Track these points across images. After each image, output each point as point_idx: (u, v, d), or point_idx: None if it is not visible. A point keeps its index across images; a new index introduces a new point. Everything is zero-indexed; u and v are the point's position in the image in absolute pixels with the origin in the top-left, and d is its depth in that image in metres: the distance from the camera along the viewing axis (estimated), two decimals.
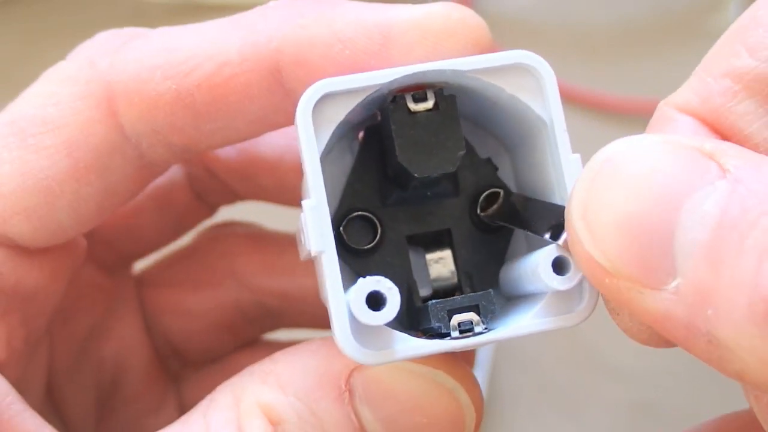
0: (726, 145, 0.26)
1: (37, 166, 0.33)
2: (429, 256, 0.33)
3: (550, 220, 0.29)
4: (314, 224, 0.29)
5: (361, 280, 0.28)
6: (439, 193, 0.32)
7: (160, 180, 0.40)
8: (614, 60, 0.60)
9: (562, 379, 0.56)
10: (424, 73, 0.30)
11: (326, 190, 0.30)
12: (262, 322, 0.44)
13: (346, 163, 0.33)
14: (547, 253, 0.29)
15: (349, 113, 0.30)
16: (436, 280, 0.33)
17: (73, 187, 0.33)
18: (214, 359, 0.45)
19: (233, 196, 0.43)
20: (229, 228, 0.45)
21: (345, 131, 0.32)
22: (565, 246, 0.28)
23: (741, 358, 0.24)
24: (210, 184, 0.42)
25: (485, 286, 0.32)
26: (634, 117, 0.58)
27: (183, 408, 0.43)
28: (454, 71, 0.30)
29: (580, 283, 0.29)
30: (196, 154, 0.36)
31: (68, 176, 0.33)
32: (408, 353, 0.29)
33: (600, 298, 0.30)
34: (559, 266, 0.29)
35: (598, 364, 0.55)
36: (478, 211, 0.33)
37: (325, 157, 0.31)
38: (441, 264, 0.33)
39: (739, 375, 0.25)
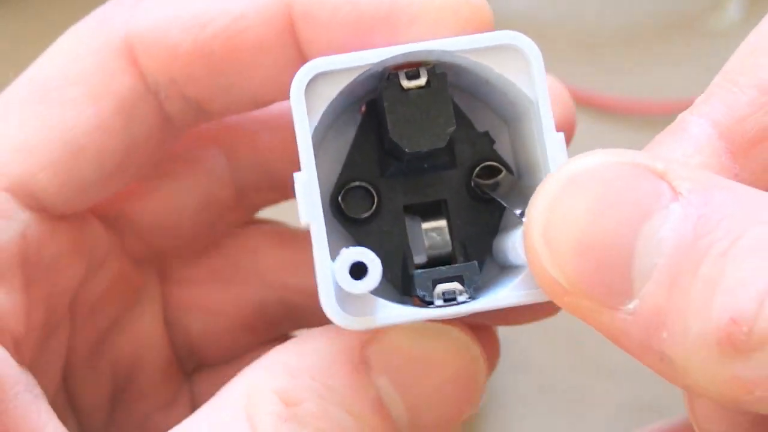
0: (676, 164, 0.27)
1: (62, 119, 0.33)
2: (425, 225, 0.34)
3: (523, 203, 0.30)
4: (304, 197, 0.30)
5: (344, 250, 0.30)
6: (437, 165, 0.33)
7: (203, 174, 0.40)
8: (614, 60, 0.60)
9: (562, 380, 0.56)
10: (414, 53, 0.31)
11: (331, 160, 0.33)
12: (283, 322, 0.44)
13: (350, 134, 0.34)
14: None
15: (354, 86, 0.32)
16: (431, 248, 0.34)
17: (98, 138, 0.33)
18: (228, 360, 0.44)
19: (278, 195, 0.43)
20: (254, 225, 0.45)
21: (350, 103, 0.33)
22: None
23: (693, 376, 0.26)
24: (256, 180, 0.42)
25: (479, 255, 0.33)
26: (634, 117, 0.58)
27: (195, 406, 0.43)
28: (443, 51, 0.31)
29: None
30: (211, 115, 0.36)
31: (93, 127, 0.33)
32: (389, 320, 0.30)
33: None
34: None
35: (598, 364, 0.55)
36: (472, 182, 0.34)
37: (330, 129, 0.33)
38: (436, 233, 0.34)
39: (689, 388, 0.27)
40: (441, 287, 0.31)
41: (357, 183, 0.34)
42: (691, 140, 0.30)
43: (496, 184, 0.33)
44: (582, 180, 0.27)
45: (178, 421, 0.41)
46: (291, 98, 0.31)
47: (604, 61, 0.60)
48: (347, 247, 0.30)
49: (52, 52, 0.34)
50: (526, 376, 0.56)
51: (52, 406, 0.33)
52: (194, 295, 0.43)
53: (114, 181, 0.35)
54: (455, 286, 0.31)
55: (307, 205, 0.30)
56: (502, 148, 0.34)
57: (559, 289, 0.27)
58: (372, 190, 0.34)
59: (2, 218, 0.33)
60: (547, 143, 0.31)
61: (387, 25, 0.32)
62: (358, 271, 0.30)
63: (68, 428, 0.33)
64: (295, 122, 0.31)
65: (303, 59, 0.33)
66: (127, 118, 0.34)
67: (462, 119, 0.34)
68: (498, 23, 0.34)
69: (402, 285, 0.33)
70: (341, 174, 0.34)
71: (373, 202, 0.34)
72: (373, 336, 0.31)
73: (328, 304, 0.30)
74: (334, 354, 0.30)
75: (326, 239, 0.30)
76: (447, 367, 0.30)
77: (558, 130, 0.32)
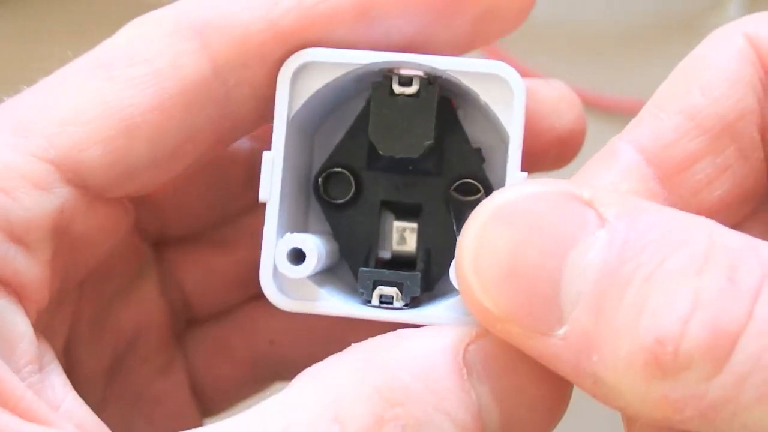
0: (604, 192, 0.28)
1: (121, 95, 0.32)
2: (397, 224, 0.35)
3: None
4: (267, 175, 0.32)
5: (288, 235, 0.31)
6: (422, 169, 0.34)
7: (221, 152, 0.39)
8: (614, 60, 0.60)
9: None
10: (405, 62, 0.32)
11: (329, 141, 0.34)
12: None
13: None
14: None
15: (366, 75, 0.33)
16: (397, 247, 0.35)
17: (156, 119, 0.32)
18: (219, 315, 0.44)
19: None
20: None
21: (362, 90, 0.34)
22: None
23: (624, 397, 0.26)
24: None
25: (440, 265, 0.34)
26: (634, 117, 0.58)
27: (189, 367, 0.43)
28: (432, 68, 0.32)
29: None
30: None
31: (152, 107, 0.32)
32: (323, 310, 0.32)
33: None
34: None
35: None
36: (451, 191, 0.34)
37: (337, 111, 0.34)
38: (406, 234, 0.35)
39: (622, 410, 0.27)
40: (380, 290, 0.32)
41: (338, 169, 0.35)
42: (620, 166, 0.31)
43: (475, 203, 0.34)
44: (508, 210, 0.28)
45: (174, 386, 0.40)
46: (277, 82, 0.32)
47: (604, 61, 0.60)
48: (291, 232, 0.31)
49: (119, 35, 0.33)
50: None
51: None
52: (190, 254, 0.43)
53: (164, 169, 0.34)
54: (394, 291, 0.32)
55: (268, 183, 0.32)
56: (497, 168, 0.34)
57: (490, 316, 0.28)
58: (352, 179, 0.34)
59: (42, 190, 0.32)
60: (508, 181, 0.32)
61: (471, 14, 0.32)
62: (296, 256, 0.31)
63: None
64: (276, 104, 0.32)
65: (375, 33, 0.33)
66: (190, 102, 0.33)
67: (457, 131, 0.34)
68: None
69: None
70: (330, 157, 0.35)
71: (351, 191, 0.35)
72: (475, 335, 0.29)
73: (265, 281, 0.32)
74: (436, 353, 0.29)
75: (277, 220, 0.32)
76: (544, 386, 0.29)
77: (566, 137, 0.32)
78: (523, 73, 0.33)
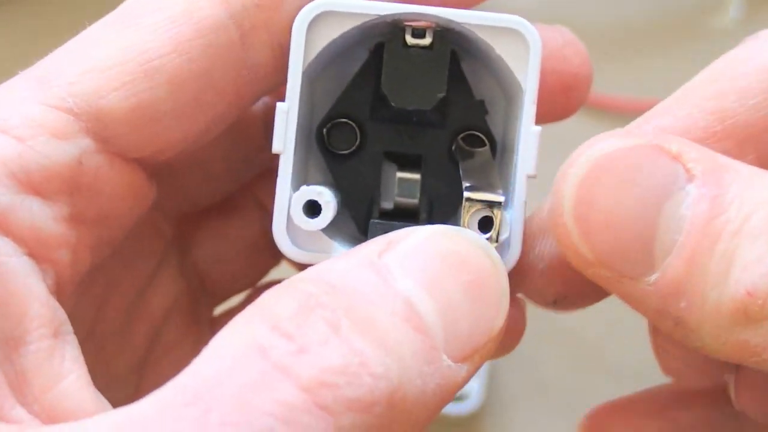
0: (688, 146, 0.29)
1: (139, 40, 0.32)
2: (400, 175, 0.35)
3: (482, 179, 0.31)
4: (281, 126, 0.32)
5: (303, 187, 0.31)
6: (426, 120, 0.34)
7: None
8: (614, 60, 0.60)
9: (562, 380, 0.56)
10: (422, 14, 0.32)
11: (329, 91, 0.34)
12: None
13: (355, 69, 0.35)
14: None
15: (368, 26, 0.32)
16: (399, 197, 0.35)
17: (175, 61, 0.32)
18: (243, 286, 0.43)
19: None
20: None
21: (362, 40, 0.34)
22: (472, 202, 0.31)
23: (703, 339, 0.29)
24: None
25: (443, 216, 0.34)
26: (634, 117, 0.58)
27: None
28: (449, 20, 0.32)
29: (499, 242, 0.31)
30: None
31: (170, 50, 0.32)
32: None
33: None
34: (483, 225, 0.31)
35: (598, 364, 0.55)
36: (454, 146, 0.35)
37: (336, 61, 0.34)
38: (409, 185, 0.35)
39: (699, 349, 0.29)
40: None
41: (345, 120, 0.35)
42: None
43: (472, 154, 0.34)
44: (608, 161, 0.29)
45: None
46: (292, 31, 0.32)
47: (604, 61, 0.60)
48: (307, 184, 0.32)
49: None
50: (526, 375, 0.56)
51: None
52: (200, 227, 0.42)
53: (187, 119, 0.33)
54: None
55: (282, 134, 0.32)
56: (498, 120, 0.35)
57: (585, 261, 0.29)
58: (357, 129, 0.35)
59: (59, 138, 0.31)
60: (522, 135, 0.32)
61: None
62: (312, 208, 0.31)
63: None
64: (291, 54, 0.32)
65: None
66: (207, 45, 0.32)
67: (462, 83, 0.34)
68: None
69: (363, 224, 0.34)
70: (333, 107, 0.35)
71: (356, 141, 0.35)
72: (387, 245, 0.29)
73: (278, 232, 0.32)
74: (352, 262, 0.29)
75: (291, 171, 0.32)
76: (473, 264, 0.29)
77: (571, 82, 0.33)
78: None
